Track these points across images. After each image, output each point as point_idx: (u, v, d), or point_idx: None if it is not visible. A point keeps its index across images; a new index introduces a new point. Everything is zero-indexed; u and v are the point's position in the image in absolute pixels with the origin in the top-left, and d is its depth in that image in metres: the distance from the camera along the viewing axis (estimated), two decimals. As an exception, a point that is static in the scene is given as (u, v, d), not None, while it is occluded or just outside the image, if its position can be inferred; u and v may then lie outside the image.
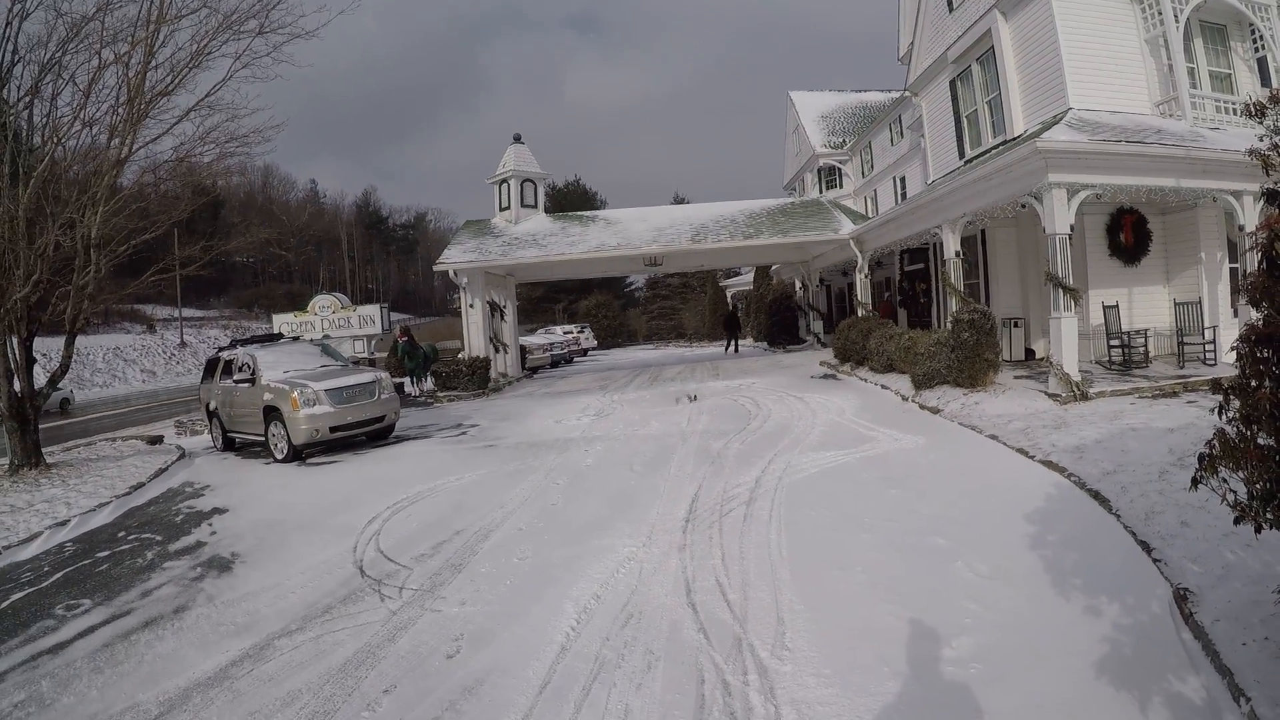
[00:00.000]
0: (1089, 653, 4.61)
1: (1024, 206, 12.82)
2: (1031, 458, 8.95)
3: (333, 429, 13.72)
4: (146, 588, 7.69)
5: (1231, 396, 3.91)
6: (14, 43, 13.07)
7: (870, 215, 28.16)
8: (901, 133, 28.04)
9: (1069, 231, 11.80)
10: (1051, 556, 6.02)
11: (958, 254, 15.16)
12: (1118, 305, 13.92)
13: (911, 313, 22.85)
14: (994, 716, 4.13)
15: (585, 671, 5.00)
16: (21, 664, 6.11)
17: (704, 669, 4.87)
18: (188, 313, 60.34)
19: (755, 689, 4.58)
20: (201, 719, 4.98)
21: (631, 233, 25.45)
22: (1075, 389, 11.42)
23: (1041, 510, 7.12)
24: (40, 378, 14.45)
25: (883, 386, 15.89)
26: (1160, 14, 14.13)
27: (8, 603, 7.56)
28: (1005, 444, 9.74)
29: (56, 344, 14.28)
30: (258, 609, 6.85)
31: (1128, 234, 14.54)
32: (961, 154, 18.38)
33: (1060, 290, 11.74)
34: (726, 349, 34.52)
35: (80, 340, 16.77)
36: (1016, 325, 16.36)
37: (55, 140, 13.49)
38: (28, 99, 13.36)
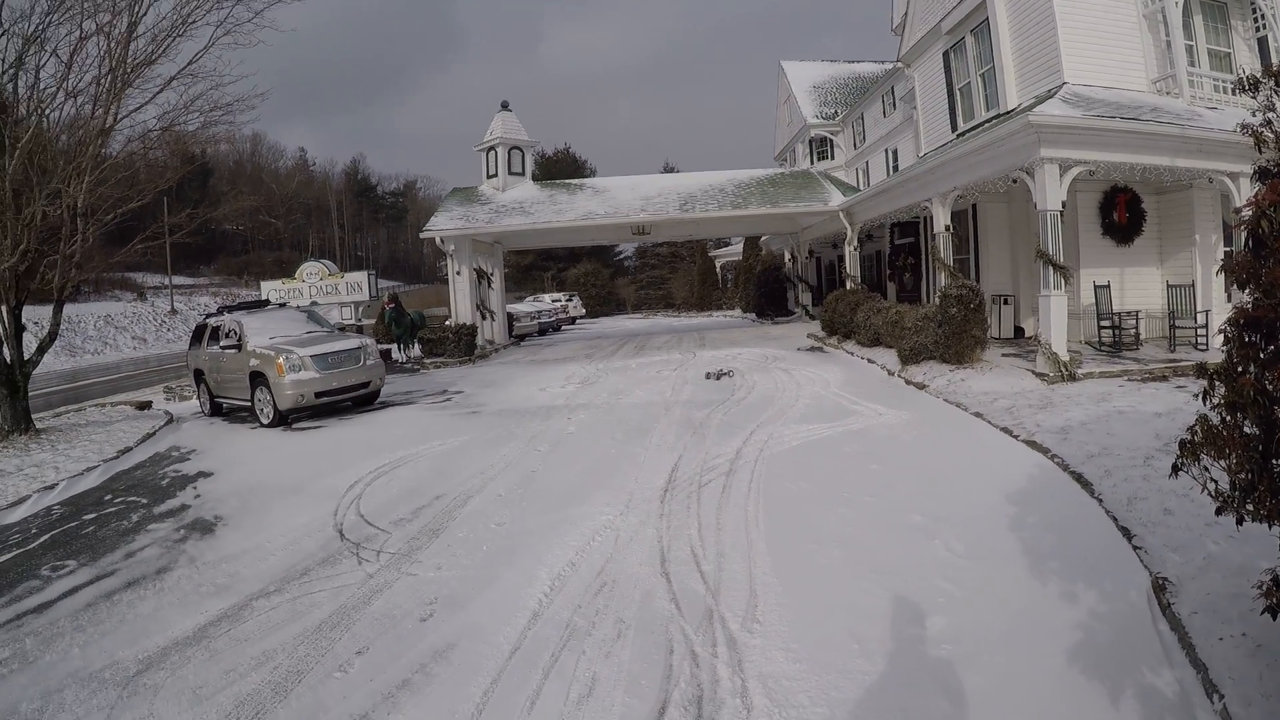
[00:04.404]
0: (1063, 639, 4.56)
1: (1015, 181, 12.73)
2: (1016, 437, 8.90)
3: (318, 394, 13.79)
4: (130, 549, 7.80)
5: (1217, 382, 3.77)
6: None
7: (861, 187, 28.01)
8: (894, 104, 27.84)
9: (1060, 208, 11.74)
10: (1031, 538, 5.97)
11: (947, 228, 15.11)
12: (1109, 285, 13.85)
13: (900, 287, 22.81)
14: (962, 699, 4.10)
15: (555, 639, 5.03)
16: (6, 623, 6.20)
17: (674, 639, 4.89)
18: (178, 280, 60.05)
19: (724, 661, 4.58)
20: (178, 676, 5.05)
21: (619, 201, 25.35)
22: (1063, 369, 11.40)
23: (1023, 491, 7.08)
24: (30, 345, 14.45)
25: (869, 360, 15.82)
26: (1160, -11, 13.97)
27: (-6, 564, 7.62)
28: (990, 422, 9.70)
29: (47, 312, 14.31)
30: (238, 570, 6.92)
31: (1121, 213, 14.43)
32: (954, 127, 18.24)
33: (1050, 267, 11.69)
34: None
35: (72, 308, 16.78)
36: (1006, 302, 16.31)
37: (39, 111, 13.49)
38: (11, 71, 13.30)
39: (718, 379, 11.40)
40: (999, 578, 5.40)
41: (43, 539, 8.39)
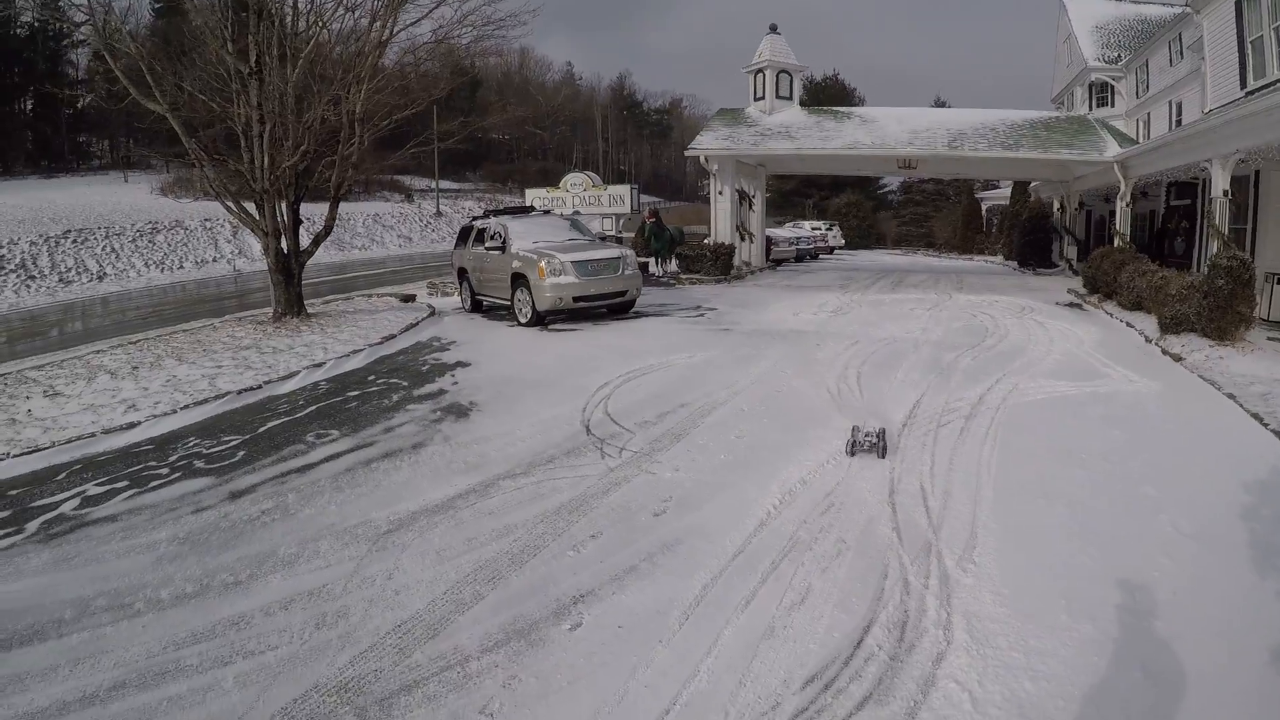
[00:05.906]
0: (1271, 638, 4.31)
1: (1303, 150, 11.50)
2: (1266, 425, 8.22)
3: (576, 299, 14.47)
4: (389, 425, 8.64)
5: None
6: None
7: (1140, 140, 25.86)
8: (1181, 53, 25.21)
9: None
10: (1261, 531, 5.63)
11: (1226, 194, 13.89)
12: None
13: (1169, 251, 21.06)
14: (1158, 677, 3.97)
15: (777, 548, 5.32)
16: (272, 479, 7.08)
17: (889, 566, 5.06)
18: (444, 184, 63.17)
19: (933, 594, 4.72)
20: (425, 539, 5.69)
21: (886, 133, 24.68)
22: (1330, 360, 10.36)
23: (1262, 481, 6.61)
24: (305, 239, 16.11)
25: (1127, 324, 14.87)
26: None
27: (264, 429, 8.68)
28: (1241, 405, 9.00)
29: (321, 210, 15.89)
30: (487, 452, 7.58)
31: None
32: (1243, 84, 16.37)
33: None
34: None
35: (343, 207, 18.42)
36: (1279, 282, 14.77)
37: (320, 24, 14.64)
38: (293, -14, 14.41)
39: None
40: (1220, 564, 5.16)
41: (309, 410, 9.41)
